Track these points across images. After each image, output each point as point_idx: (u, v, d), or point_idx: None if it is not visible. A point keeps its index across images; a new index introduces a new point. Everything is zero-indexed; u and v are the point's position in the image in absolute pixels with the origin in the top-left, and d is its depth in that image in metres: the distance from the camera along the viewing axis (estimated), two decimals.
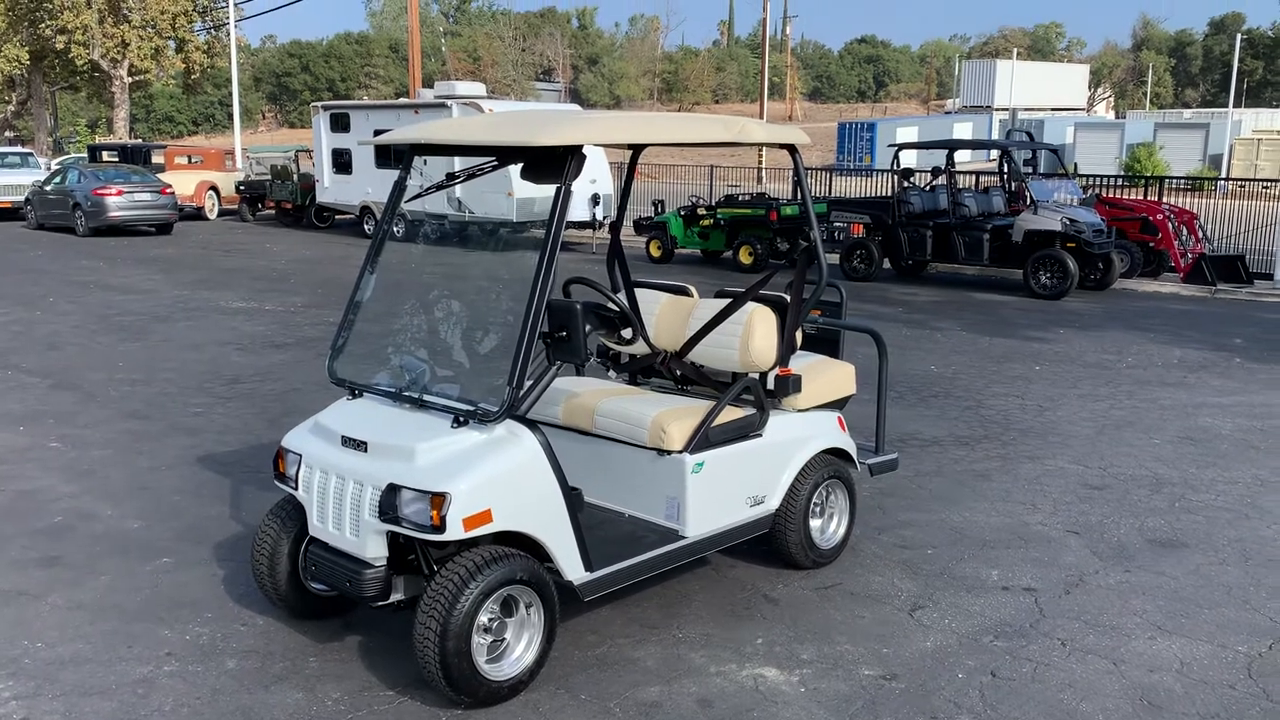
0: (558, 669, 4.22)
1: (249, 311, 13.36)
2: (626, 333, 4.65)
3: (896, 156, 16.61)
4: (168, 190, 23.64)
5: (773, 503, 5.02)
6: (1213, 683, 4.18)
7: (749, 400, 4.99)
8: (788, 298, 5.09)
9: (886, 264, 17.05)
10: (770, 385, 5.07)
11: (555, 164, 4.09)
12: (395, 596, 4.19)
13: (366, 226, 23.14)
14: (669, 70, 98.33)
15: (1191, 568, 5.36)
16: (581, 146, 4.06)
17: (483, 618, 3.89)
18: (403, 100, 27.01)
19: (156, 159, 29.61)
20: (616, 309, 4.51)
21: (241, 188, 27.41)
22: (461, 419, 4.05)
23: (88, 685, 4.12)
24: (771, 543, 5.13)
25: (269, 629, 4.61)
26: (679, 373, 5.30)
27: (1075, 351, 11.14)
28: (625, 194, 5.86)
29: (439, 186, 4.67)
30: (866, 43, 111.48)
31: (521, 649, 4.06)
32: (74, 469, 6.85)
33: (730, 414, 4.84)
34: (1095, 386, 9.51)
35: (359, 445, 4.14)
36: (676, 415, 4.70)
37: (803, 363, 5.33)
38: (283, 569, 4.47)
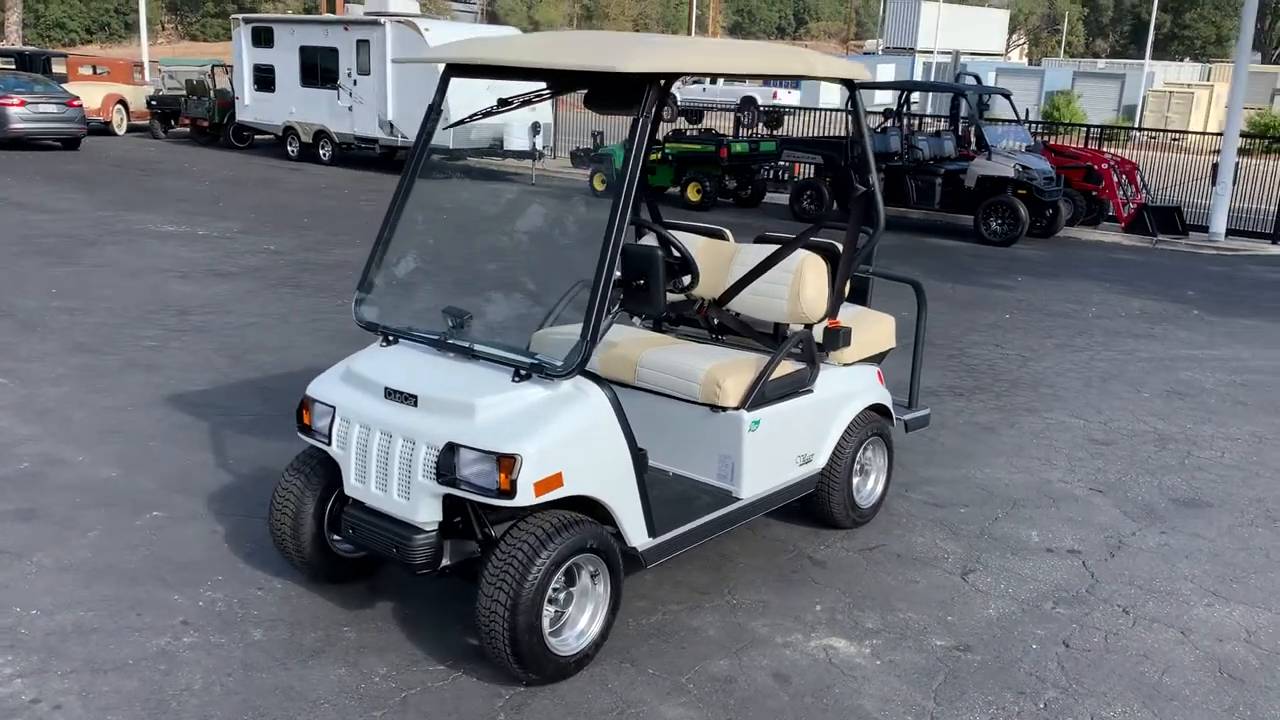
0: (616, 640, 3.94)
1: (182, 236, 12.59)
2: (685, 280, 4.34)
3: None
4: (75, 103, 22.14)
5: (820, 461, 4.80)
6: None
7: (796, 354, 4.73)
8: (838, 245, 4.81)
9: (836, 206, 16.88)
10: (819, 338, 4.80)
11: (630, 94, 3.70)
12: (443, 562, 3.85)
13: (290, 148, 22.08)
14: None
15: (1224, 529, 5.31)
16: (663, 76, 3.69)
17: (550, 589, 3.58)
18: (330, 16, 25.72)
19: (57, 68, 27.74)
20: (679, 254, 4.18)
21: (153, 103, 25.91)
22: (523, 373, 3.69)
23: (100, 660, 3.71)
24: (813, 502, 4.91)
25: (290, 594, 4.23)
26: (716, 321, 5.00)
27: (1039, 300, 11.14)
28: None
29: (486, 113, 4.22)
30: None
31: (585, 621, 3.77)
32: (29, 408, 6.27)
33: (783, 368, 4.57)
34: (1069, 337, 9.50)
35: (407, 399, 3.75)
36: (731, 369, 4.41)
37: (844, 314, 5.07)
38: (308, 530, 4.09)
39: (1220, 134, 18.28)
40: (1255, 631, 4.27)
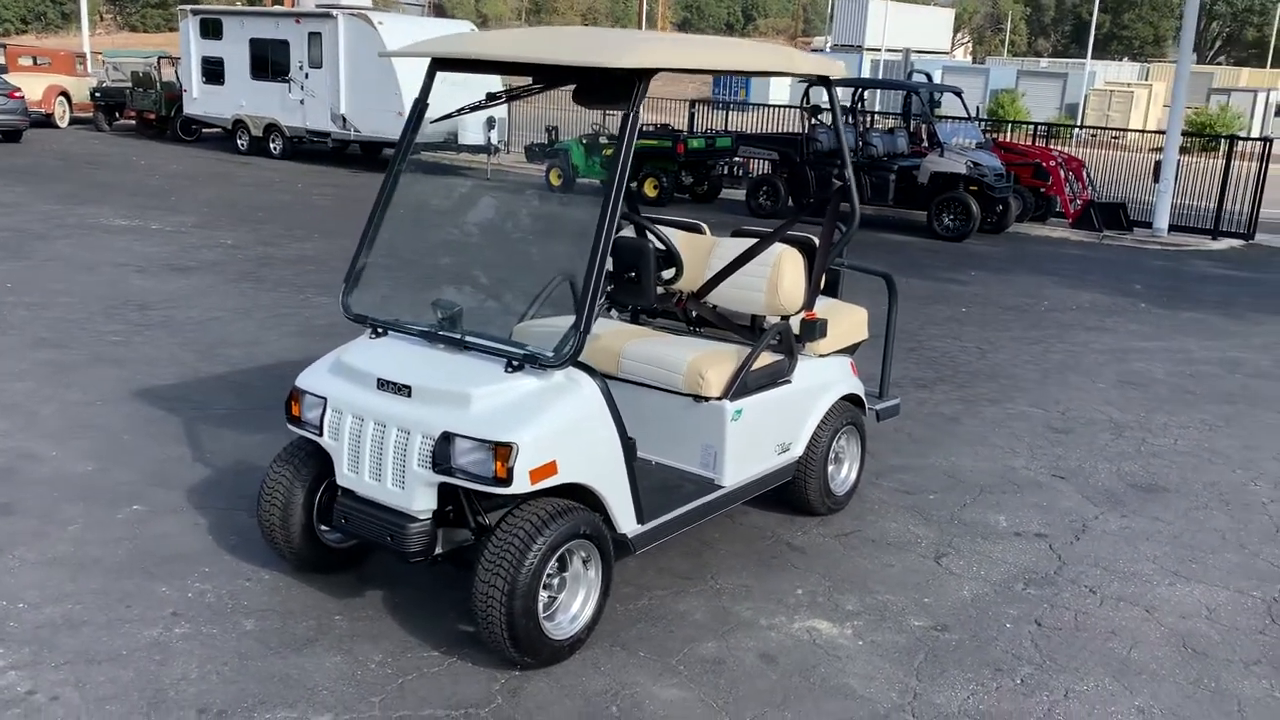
0: (605, 625, 4.02)
1: (135, 230, 12.42)
2: (668, 273, 4.42)
3: (806, 93, 16.54)
4: (17, 94, 21.65)
5: (797, 450, 4.91)
6: (1243, 629, 4.31)
7: (774, 345, 4.83)
8: (814, 239, 4.93)
9: (791, 201, 17.06)
10: (796, 330, 4.92)
11: (620, 88, 3.77)
12: (436, 550, 3.90)
13: (240, 142, 21.82)
14: None
15: (1181, 513, 5.52)
16: (654, 71, 3.77)
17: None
18: (281, 8, 25.41)
19: None
20: (664, 247, 4.26)
21: (98, 95, 25.43)
22: (516, 363, 3.76)
23: (93, 651, 3.72)
24: (790, 490, 5.02)
25: (279, 585, 4.26)
26: (694, 314, 5.09)
27: (993, 294, 11.39)
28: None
29: (475, 107, 4.27)
30: None
31: (578, 605, 3.85)
32: None
33: (762, 359, 4.68)
34: (1024, 329, 9.74)
35: (401, 389, 3.80)
36: (713, 360, 4.50)
37: (819, 307, 5.18)
38: (297, 520, 4.12)
39: (1161, 132, 18.72)
40: (1215, 609, 4.47)
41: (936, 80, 42.81)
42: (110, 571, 4.29)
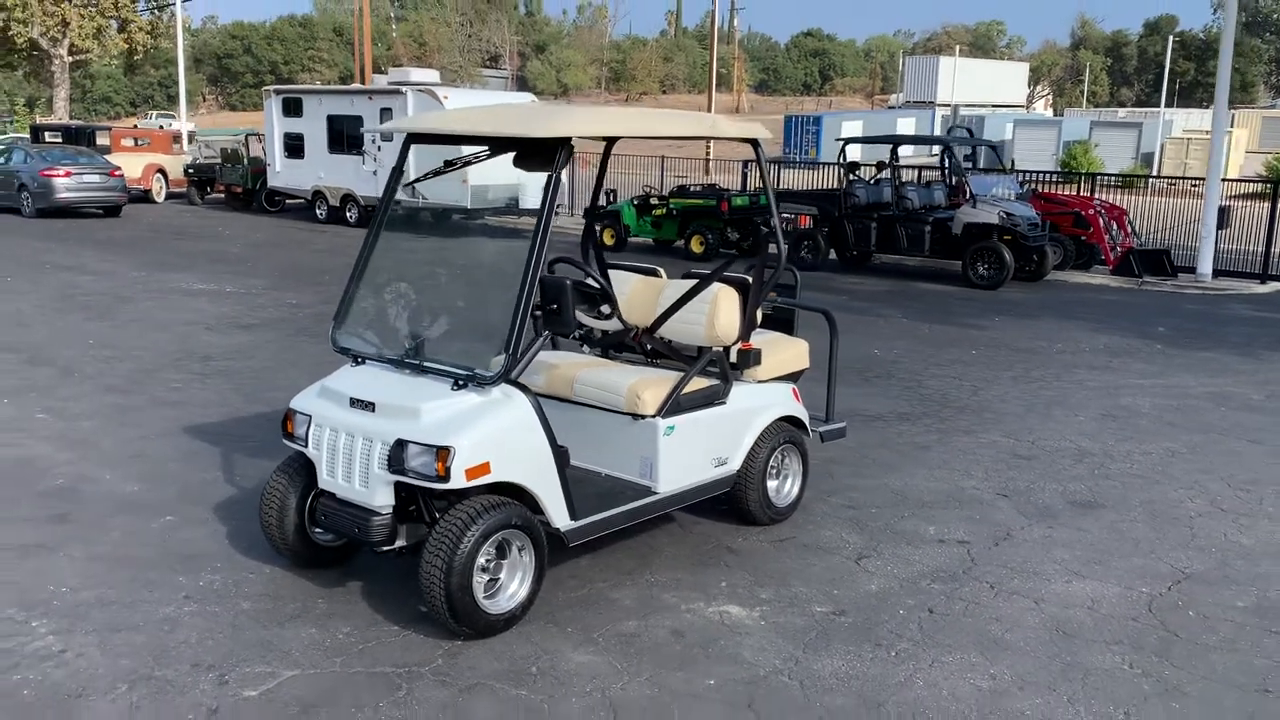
0: (545, 608, 4.70)
1: (211, 293, 13.60)
2: (604, 309, 5.13)
3: (843, 150, 17.24)
4: (116, 172, 23.54)
5: (735, 464, 5.55)
6: (1118, 616, 4.79)
7: (714, 372, 5.50)
8: (749, 279, 5.60)
9: (833, 254, 17.69)
10: (733, 358, 5.58)
11: (546, 154, 4.55)
12: (399, 542, 4.64)
13: (319, 211, 23.30)
14: (617, 60, 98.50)
15: (1106, 524, 5.98)
16: (571, 139, 4.53)
17: (481, 559, 4.36)
18: (356, 86, 27.09)
19: (101, 140, 29.35)
20: (598, 287, 4.98)
21: (190, 171, 27.34)
22: (461, 383, 4.50)
23: (116, 623, 4.53)
24: (732, 500, 5.65)
25: (276, 576, 5.04)
26: (649, 347, 5.79)
27: (1009, 338, 11.81)
28: (599, 182, 6.33)
29: (437, 173, 5.09)
30: (812, 36, 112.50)
31: (515, 587, 4.54)
32: (65, 438, 7.16)
33: (698, 383, 5.35)
34: (1027, 370, 10.17)
35: (367, 406, 4.58)
36: (650, 384, 5.19)
37: (761, 339, 5.85)
38: (290, 520, 4.90)
39: (1238, 179, 18.82)
40: (1099, 600, 4.95)
41: (1007, 133, 42.78)
42: (140, 566, 5.12)
